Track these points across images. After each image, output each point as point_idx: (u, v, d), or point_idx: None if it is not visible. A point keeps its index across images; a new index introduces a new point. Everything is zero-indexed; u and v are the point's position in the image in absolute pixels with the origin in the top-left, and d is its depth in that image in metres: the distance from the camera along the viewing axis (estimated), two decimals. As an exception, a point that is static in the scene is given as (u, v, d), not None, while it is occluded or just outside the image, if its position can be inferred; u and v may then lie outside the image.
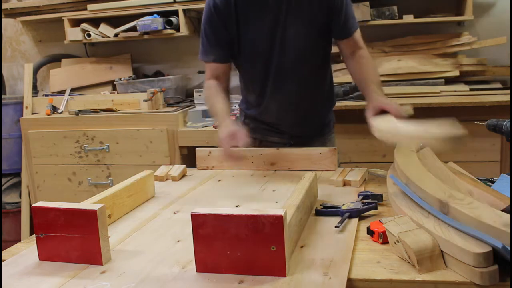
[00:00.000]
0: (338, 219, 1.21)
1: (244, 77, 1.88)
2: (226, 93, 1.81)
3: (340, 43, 1.81)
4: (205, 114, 2.93)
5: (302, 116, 1.87)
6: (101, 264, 1.03)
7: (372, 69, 1.76)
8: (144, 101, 3.04)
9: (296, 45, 1.74)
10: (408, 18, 2.93)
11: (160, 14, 3.17)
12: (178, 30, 3.18)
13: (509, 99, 2.47)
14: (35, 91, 3.47)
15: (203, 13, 1.77)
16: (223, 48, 1.77)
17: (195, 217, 0.95)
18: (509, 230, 0.86)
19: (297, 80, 1.80)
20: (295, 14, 1.70)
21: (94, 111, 3.06)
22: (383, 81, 2.88)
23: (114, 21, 3.37)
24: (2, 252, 1.14)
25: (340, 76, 3.03)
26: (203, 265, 0.96)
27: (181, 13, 3.14)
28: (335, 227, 1.16)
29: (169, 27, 3.16)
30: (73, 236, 1.03)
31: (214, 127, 2.78)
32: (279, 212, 0.92)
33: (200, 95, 3.15)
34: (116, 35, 3.29)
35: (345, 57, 1.83)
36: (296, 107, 1.85)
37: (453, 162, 1.55)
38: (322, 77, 1.88)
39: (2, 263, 1.07)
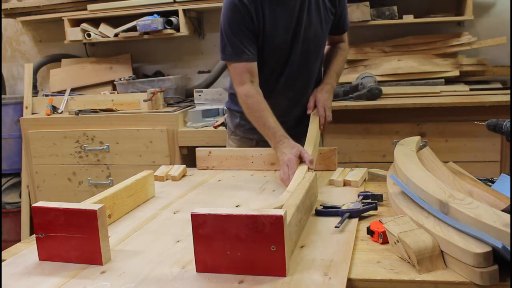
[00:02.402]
0: (338, 219, 1.21)
1: None
2: (266, 102, 1.72)
3: (330, 36, 1.94)
4: (205, 114, 2.93)
5: (306, 112, 1.88)
6: (101, 264, 1.03)
7: (342, 61, 1.96)
8: (144, 101, 3.04)
9: (315, 43, 1.81)
10: (408, 18, 2.93)
11: (160, 14, 3.17)
12: (178, 30, 3.18)
13: (509, 99, 2.47)
14: (35, 91, 3.47)
15: (225, 12, 1.71)
16: (254, 44, 1.72)
17: (195, 217, 0.95)
18: (509, 230, 0.86)
19: (306, 76, 1.85)
20: (314, 14, 1.77)
21: (94, 111, 3.06)
22: (383, 81, 2.92)
23: (114, 21, 3.37)
24: (2, 252, 1.14)
25: (340, 76, 3.03)
26: (203, 265, 0.96)
27: (181, 13, 3.14)
28: (335, 227, 1.16)
29: (169, 27, 3.16)
30: (73, 236, 1.03)
31: (214, 127, 2.78)
32: (279, 212, 0.92)
33: (200, 95, 3.15)
34: (116, 35, 3.29)
35: (328, 44, 1.99)
36: (301, 103, 1.89)
37: (453, 162, 1.55)
38: (319, 73, 1.96)
39: (2, 263, 1.07)
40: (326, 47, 1.98)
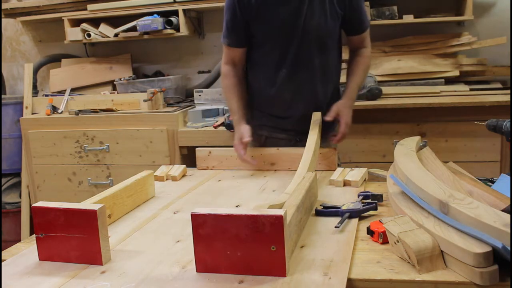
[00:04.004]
0: (338, 219, 1.21)
1: (256, 64, 1.89)
2: (241, 83, 1.92)
3: (349, 38, 1.94)
4: (205, 114, 2.93)
5: (313, 108, 1.88)
6: (101, 264, 1.03)
7: (363, 71, 1.95)
8: (144, 101, 3.04)
9: (317, 36, 1.81)
10: (408, 18, 2.93)
11: (160, 14, 3.17)
12: (178, 30, 3.18)
13: (509, 99, 2.47)
14: (35, 91, 3.46)
15: None
16: (239, 34, 1.83)
17: (195, 217, 0.95)
18: (509, 230, 0.86)
19: (310, 70, 1.84)
20: (317, 6, 1.77)
21: (94, 111, 3.06)
22: (383, 81, 2.92)
23: (114, 21, 3.37)
24: (2, 252, 1.14)
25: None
26: (203, 265, 0.96)
27: (181, 13, 3.14)
28: (335, 227, 1.16)
29: (169, 27, 3.16)
30: (73, 236, 1.03)
31: (214, 127, 2.78)
32: (279, 212, 0.92)
33: (200, 95, 3.15)
34: (116, 35, 3.29)
35: (350, 50, 1.99)
36: (307, 98, 1.88)
37: (453, 162, 1.55)
38: (336, 70, 1.95)
39: (2, 263, 1.07)
40: (349, 54, 1.97)
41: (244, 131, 1.79)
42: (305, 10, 1.76)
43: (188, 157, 2.81)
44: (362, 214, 1.25)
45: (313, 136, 1.72)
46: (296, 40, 1.79)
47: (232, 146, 1.81)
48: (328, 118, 1.81)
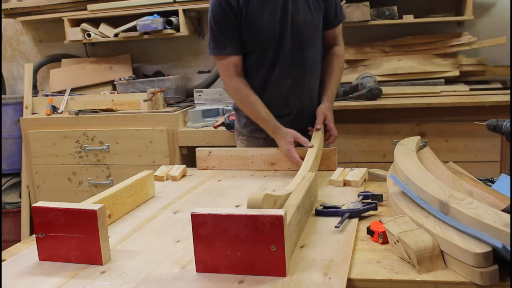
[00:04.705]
0: (338, 219, 1.21)
1: (249, 66, 1.88)
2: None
3: (323, 33, 1.94)
4: (205, 114, 2.93)
5: (308, 103, 1.90)
6: (101, 264, 1.03)
7: (340, 71, 1.97)
8: (144, 101, 3.04)
9: (306, 29, 1.82)
10: (408, 18, 2.93)
11: (160, 14, 3.17)
12: (178, 30, 3.18)
13: (509, 99, 2.47)
14: (35, 91, 3.47)
15: (211, 7, 1.78)
16: (236, 39, 1.80)
17: (195, 217, 0.95)
18: (509, 230, 0.86)
19: (303, 64, 1.86)
20: (301, 1, 1.79)
21: (94, 111, 3.06)
22: (383, 81, 2.92)
23: (114, 21, 3.37)
24: (2, 252, 1.14)
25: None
26: (203, 265, 0.96)
27: (181, 13, 3.14)
28: (335, 227, 1.16)
29: (169, 27, 3.16)
30: (73, 236, 1.03)
31: (214, 127, 2.78)
32: (279, 212, 0.92)
33: (200, 95, 3.15)
34: (116, 35, 3.29)
35: (323, 48, 1.97)
36: (303, 92, 1.89)
37: (453, 162, 1.55)
38: (321, 62, 1.96)
39: (2, 263, 1.07)
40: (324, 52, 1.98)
41: (297, 134, 1.75)
42: (290, 6, 1.78)
43: (188, 157, 2.81)
44: (362, 214, 1.25)
45: (316, 142, 1.72)
46: (285, 37, 1.80)
47: (231, 146, 1.81)
48: (319, 126, 1.82)
